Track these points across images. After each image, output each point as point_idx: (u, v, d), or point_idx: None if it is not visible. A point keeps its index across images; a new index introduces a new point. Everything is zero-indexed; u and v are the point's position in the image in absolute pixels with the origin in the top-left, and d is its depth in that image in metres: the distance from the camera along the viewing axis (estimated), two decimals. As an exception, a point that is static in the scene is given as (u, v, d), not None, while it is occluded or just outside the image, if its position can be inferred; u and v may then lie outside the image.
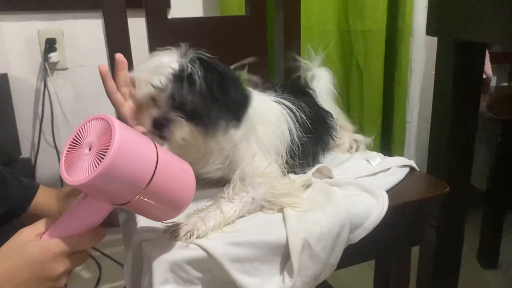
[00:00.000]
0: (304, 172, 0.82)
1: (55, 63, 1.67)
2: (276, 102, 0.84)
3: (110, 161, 0.49)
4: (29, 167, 1.68)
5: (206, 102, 0.67)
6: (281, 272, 0.66)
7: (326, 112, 0.96)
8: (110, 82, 0.74)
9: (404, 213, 0.80)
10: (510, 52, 1.87)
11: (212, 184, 0.78)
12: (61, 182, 1.65)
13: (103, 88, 0.75)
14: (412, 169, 0.88)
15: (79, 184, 0.50)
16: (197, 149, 0.71)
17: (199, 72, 0.67)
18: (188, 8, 1.71)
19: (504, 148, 1.43)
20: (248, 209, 0.70)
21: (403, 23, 1.70)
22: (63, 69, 1.69)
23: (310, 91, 0.98)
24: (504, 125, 1.41)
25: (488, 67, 1.76)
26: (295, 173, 0.82)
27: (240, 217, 0.69)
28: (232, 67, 0.75)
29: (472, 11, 0.83)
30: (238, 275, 0.62)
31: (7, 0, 1.59)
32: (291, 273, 0.64)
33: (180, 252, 0.61)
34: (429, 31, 0.94)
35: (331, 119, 0.97)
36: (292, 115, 0.83)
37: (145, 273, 0.62)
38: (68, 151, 0.54)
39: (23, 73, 1.66)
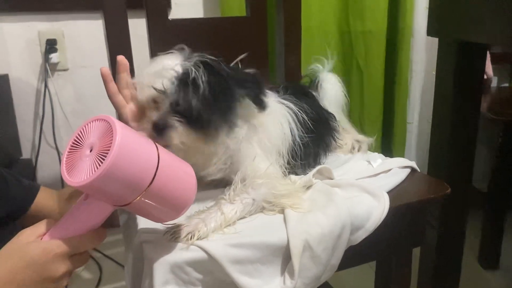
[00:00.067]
0: (305, 173, 0.82)
1: (56, 64, 1.67)
2: (278, 103, 0.84)
3: (111, 162, 0.49)
4: (29, 168, 1.68)
5: (208, 108, 0.67)
6: (282, 273, 0.66)
7: (329, 113, 0.96)
8: (112, 84, 0.74)
9: (405, 214, 0.80)
10: (511, 52, 1.86)
11: (213, 185, 0.78)
12: (62, 183, 1.66)
13: (104, 89, 0.75)
14: (413, 170, 0.88)
15: (80, 185, 0.50)
16: (197, 152, 0.71)
17: (203, 77, 0.67)
18: (188, 9, 1.71)
19: (504, 148, 1.43)
20: (249, 210, 0.70)
21: (403, 23, 1.69)
22: (64, 70, 1.69)
23: (313, 93, 0.98)
24: (504, 126, 1.41)
25: (489, 68, 1.76)
26: (296, 174, 0.82)
27: (241, 218, 0.69)
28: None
29: (473, 12, 0.83)
30: (239, 277, 0.62)
31: (7, 1, 1.59)
32: (292, 275, 0.64)
33: (180, 253, 0.61)
34: (430, 32, 0.94)
35: (333, 120, 0.97)
36: (294, 115, 0.83)
37: (146, 274, 0.62)
38: (69, 152, 0.54)
39: (23, 74, 1.66)
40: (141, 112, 0.72)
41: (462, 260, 1.06)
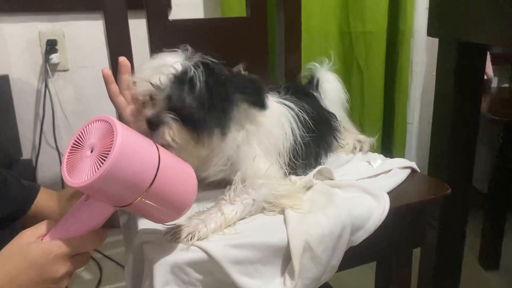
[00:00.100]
0: (306, 173, 0.82)
1: (56, 64, 1.67)
2: (279, 103, 0.84)
3: (112, 163, 0.49)
4: (30, 168, 1.68)
5: (203, 108, 0.67)
6: (282, 274, 0.66)
7: (330, 113, 0.97)
8: (113, 85, 0.74)
9: (405, 214, 0.80)
10: (511, 53, 1.86)
11: (213, 186, 0.78)
12: (62, 183, 1.66)
13: (104, 89, 0.75)
14: (413, 170, 0.88)
15: (81, 186, 0.50)
16: (190, 156, 0.69)
17: (201, 77, 0.67)
18: (189, 10, 1.71)
19: (505, 149, 1.43)
20: (249, 211, 0.70)
21: (404, 24, 1.69)
22: (64, 70, 1.69)
23: (314, 93, 0.98)
24: (505, 126, 1.41)
25: (489, 69, 1.76)
26: (297, 174, 0.82)
27: (241, 219, 0.69)
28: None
29: (473, 12, 0.83)
30: (239, 277, 0.62)
31: (8, 2, 1.59)
32: (292, 275, 0.64)
33: (181, 254, 0.61)
34: (430, 32, 0.94)
35: (335, 120, 0.97)
36: (295, 115, 0.83)
37: (146, 275, 0.62)
38: (70, 152, 0.54)
39: (24, 74, 1.66)
40: (140, 111, 0.72)
41: (462, 261, 1.06)
